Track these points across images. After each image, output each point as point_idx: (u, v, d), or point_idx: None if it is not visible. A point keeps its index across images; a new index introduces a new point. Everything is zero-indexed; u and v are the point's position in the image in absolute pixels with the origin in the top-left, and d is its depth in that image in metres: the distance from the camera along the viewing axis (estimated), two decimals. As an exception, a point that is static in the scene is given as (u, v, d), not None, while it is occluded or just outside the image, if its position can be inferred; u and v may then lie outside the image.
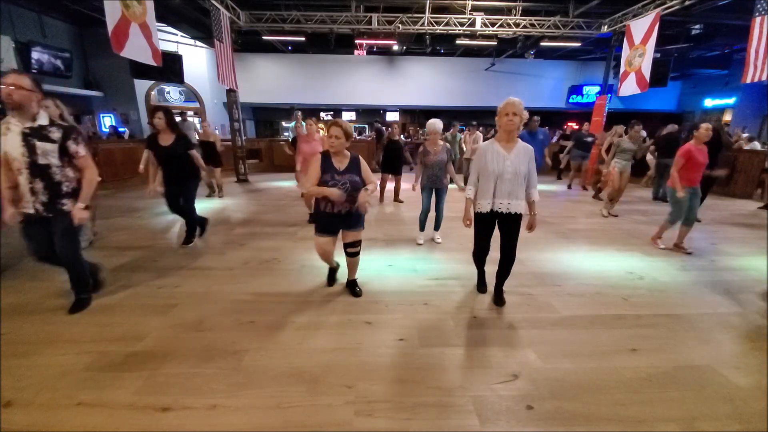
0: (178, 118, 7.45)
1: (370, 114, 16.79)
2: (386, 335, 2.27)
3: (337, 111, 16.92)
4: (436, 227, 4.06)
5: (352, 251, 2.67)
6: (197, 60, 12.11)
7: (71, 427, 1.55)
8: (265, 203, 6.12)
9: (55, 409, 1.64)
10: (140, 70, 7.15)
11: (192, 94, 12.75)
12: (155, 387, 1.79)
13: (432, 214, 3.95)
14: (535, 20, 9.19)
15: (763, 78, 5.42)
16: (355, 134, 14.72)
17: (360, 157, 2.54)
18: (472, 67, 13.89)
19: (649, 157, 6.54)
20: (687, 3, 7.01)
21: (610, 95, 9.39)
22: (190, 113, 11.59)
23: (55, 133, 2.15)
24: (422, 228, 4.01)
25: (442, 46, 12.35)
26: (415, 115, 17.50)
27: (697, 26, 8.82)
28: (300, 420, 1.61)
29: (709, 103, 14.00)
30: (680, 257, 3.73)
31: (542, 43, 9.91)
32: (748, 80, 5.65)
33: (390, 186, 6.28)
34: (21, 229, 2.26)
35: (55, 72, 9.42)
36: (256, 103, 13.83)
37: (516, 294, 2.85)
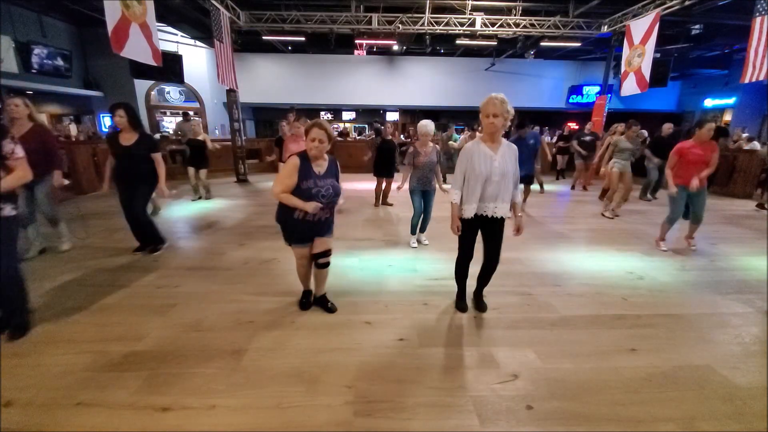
0: (180, 118, 7.45)
1: (370, 114, 16.78)
2: (386, 335, 2.27)
3: (337, 111, 16.95)
4: (423, 229, 4.03)
5: (324, 261, 2.41)
6: (197, 60, 12.12)
7: (71, 427, 1.55)
8: (265, 203, 6.12)
9: (55, 409, 1.64)
10: (140, 70, 7.14)
11: (192, 94, 12.75)
12: (155, 387, 1.79)
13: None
14: (535, 20, 9.19)
15: (762, 78, 5.43)
16: (354, 134, 14.55)
17: (336, 159, 2.38)
18: (472, 67, 13.89)
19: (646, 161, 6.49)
20: (687, 3, 7.00)
21: (610, 95, 9.39)
22: (190, 113, 11.59)
23: None
24: (414, 231, 3.99)
25: (442, 46, 12.35)
26: (415, 115, 17.44)
27: (697, 26, 8.80)
28: (299, 420, 1.61)
29: (709, 103, 14.00)
30: (680, 257, 3.73)
31: (542, 43, 9.91)
32: (747, 80, 5.66)
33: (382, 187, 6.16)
34: None
35: (55, 72, 9.44)
36: (256, 103, 13.84)
37: (516, 294, 2.85)
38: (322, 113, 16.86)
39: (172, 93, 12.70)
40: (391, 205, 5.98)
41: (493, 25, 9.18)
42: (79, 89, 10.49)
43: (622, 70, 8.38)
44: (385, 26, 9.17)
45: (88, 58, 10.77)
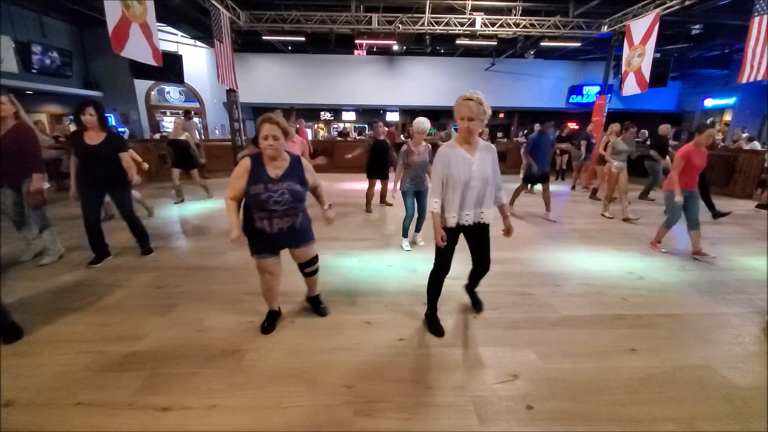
0: (182, 117, 7.46)
1: (370, 114, 16.78)
2: (386, 335, 2.27)
3: (337, 111, 16.95)
4: (418, 229, 3.97)
5: (310, 270, 2.27)
6: (197, 60, 12.11)
7: (71, 427, 1.55)
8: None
9: (54, 409, 1.64)
10: (140, 70, 7.15)
11: (192, 94, 12.75)
12: (155, 387, 1.79)
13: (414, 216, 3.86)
14: (535, 20, 9.19)
15: (760, 78, 5.43)
16: (355, 134, 14.50)
17: (301, 157, 2.10)
18: (472, 67, 13.88)
19: (647, 162, 6.48)
20: (687, 3, 7.01)
21: (610, 95, 9.39)
22: (191, 112, 11.58)
23: None
24: (406, 234, 3.90)
25: (442, 46, 12.36)
26: (416, 115, 17.46)
27: (697, 26, 8.82)
28: (299, 420, 1.61)
29: (709, 103, 14.00)
30: (680, 257, 3.73)
31: (542, 43, 9.92)
32: (745, 80, 5.66)
33: (377, 188, 6.00)
34: None
35: (55, 72, 9.43)
36: (256, 103, 13.82)
37: (516, 294, 2.85)
38: (322, 113, 16.89)
39: (172, 93, 12.69)
40: (390, 205, 5.96)
41: (493, 25, 9.18)
42: (79, 89, 10.47)
43: (622, 70, 8.38)
44: (385, 26, 9.17)
45: (88, 58, 10.77)
